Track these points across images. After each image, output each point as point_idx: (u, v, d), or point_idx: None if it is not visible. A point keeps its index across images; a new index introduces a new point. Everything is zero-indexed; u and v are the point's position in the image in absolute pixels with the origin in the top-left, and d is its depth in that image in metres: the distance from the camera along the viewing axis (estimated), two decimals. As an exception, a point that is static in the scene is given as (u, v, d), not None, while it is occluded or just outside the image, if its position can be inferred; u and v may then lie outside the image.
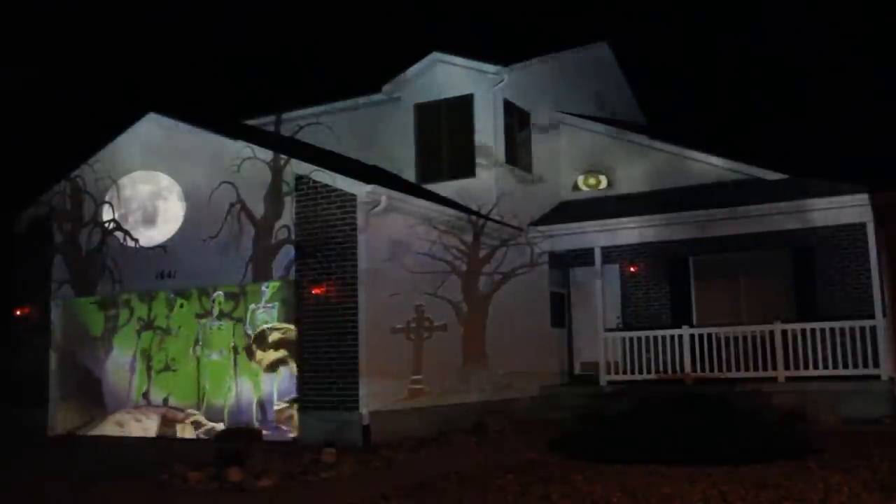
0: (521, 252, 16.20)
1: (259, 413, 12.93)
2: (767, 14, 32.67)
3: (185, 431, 13.54)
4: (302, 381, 12.44)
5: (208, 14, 29.03)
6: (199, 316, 13.75)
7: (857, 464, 9.04)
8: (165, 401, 13.87)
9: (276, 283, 12.99)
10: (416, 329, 13.28)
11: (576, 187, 17.92)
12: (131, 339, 14.35)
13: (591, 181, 17.71)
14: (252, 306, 13.26)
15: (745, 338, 14.94)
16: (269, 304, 13.11)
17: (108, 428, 14.27)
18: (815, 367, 14.32)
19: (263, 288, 13.15)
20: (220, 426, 13.12)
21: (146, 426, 13.89)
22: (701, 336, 15.24)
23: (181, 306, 13.92)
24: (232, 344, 13.34)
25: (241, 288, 13.31)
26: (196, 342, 13.70)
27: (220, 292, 13.57)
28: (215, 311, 13.61)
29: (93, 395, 14.55)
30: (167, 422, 13.73)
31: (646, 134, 18.08)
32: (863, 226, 14.59)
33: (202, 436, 13.30)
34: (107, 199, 14.73)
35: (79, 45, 24.13)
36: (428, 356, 13.37)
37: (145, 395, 14.07)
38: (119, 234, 14.51)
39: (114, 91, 24.01)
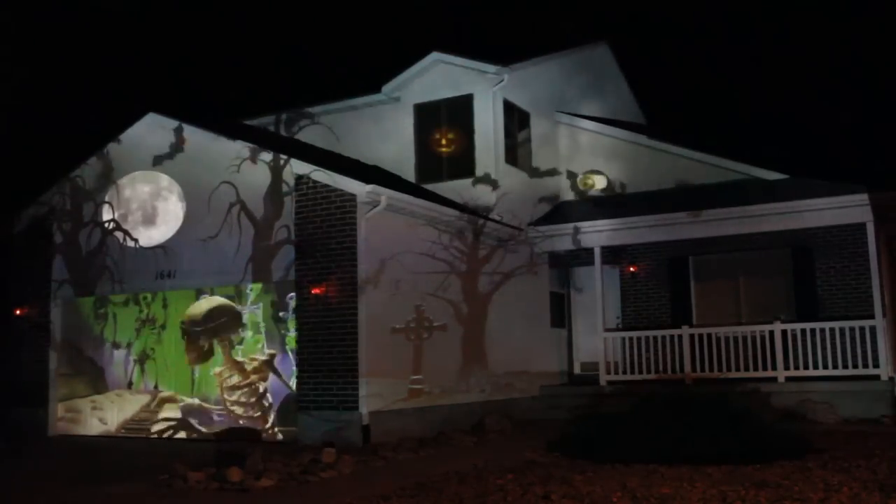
0: (521, 252, 16.21)
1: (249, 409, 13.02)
2: (767, 14, 32.69)
3: (172, 412, 13.72)
4: (302, 381, 12.45)
5: (208, 14, 29.03)
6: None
7: (857, 464, 9.03)
8: (156, 386, 14.05)
9: (259, 285, 13.12)
10: (416, 329, 13.28)
11: (576, 187, 17.92)
12: (130, 337, 14.37)
13: (591, 181, 17.71)
14: (239, 307, 13.33)
15: (744, 338, 14.94)
16: (255, 305, 13.18)
17: (106, 412, 14.33)
18: (815, 367, 14.33)
19: (248, 290, 13.26)
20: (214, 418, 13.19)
21: (140, 399, 14.09)
22: (701, 336, 15.25)
23: (176, 307, 13.94)
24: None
25: (236, 288, 13.35)
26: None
27: (206, 295, 13.65)
28: None
29: (92, 391, 14.57)
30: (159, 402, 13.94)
31: (645, 134, 18.09)
32: (863, 226, 14.58)
33: (191, 420, 13.51)
34: (107, 199, 14.75)
35: (79, 45, 24.13)
36: (428, 356, 13.37)
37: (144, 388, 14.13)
38: (119, 234, 14.52)
39: (114, 91, 24.02)
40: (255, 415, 12.93)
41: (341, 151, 16.82)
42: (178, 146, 14.03)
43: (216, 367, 13.38)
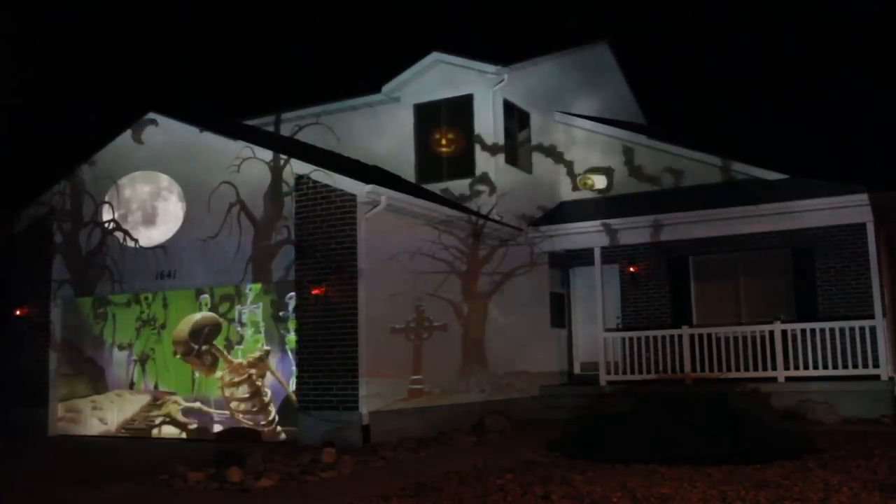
0: (521, 252, 16.20)
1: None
2: (767, 14, 32.68)
3: (172, 410, 13.75)
4: (302, 381, 12.45)
5: (208, 14, 29.03)
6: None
7: (857, 464, 9.04)
8: (156, 387, 14.06)
9: (259, 285, 13.14)
10: (416, 329, 13.28)
11: (576, 187, 17.92)
12: (130, 337, 14.37)
13: (591, 181, 17.70)
14: (239, 307, 13.33)
15: (744, 338, 14.94)
16: (254, 305, 13.19)
17: (107, 412, 14.33)
18: (815, 367, 14.34)
19: (248, 290, 13.27)
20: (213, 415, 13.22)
21: (140, 399, 14.12)
22: (701, 336, 15.25)
23: (176, 308, 13.94)
24: (226, 341, 13.44)
25: (236, 288, 13.36)
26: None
27: (206, 295, 13.67)
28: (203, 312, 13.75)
29: (92, 391, 14.58)
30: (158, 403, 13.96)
31: (645, 134, 18.09)
32: (863, 226, 14.59)
33: (191, 420, 13.54)
34: (107, 199, 14.75)
35: (79, 45, 24.13)
36: (428, 356, 13.37)
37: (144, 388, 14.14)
38: (119, 234, 14.52)
39: (114, 91, 24.01)
40: (255, 414, 12.93)
41: (341, 151, 16.82)
42: (141, 127, 14.11)
43: (218, 371, 13.44)
